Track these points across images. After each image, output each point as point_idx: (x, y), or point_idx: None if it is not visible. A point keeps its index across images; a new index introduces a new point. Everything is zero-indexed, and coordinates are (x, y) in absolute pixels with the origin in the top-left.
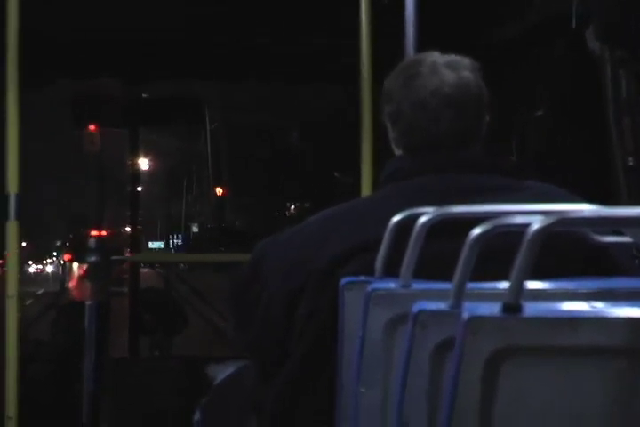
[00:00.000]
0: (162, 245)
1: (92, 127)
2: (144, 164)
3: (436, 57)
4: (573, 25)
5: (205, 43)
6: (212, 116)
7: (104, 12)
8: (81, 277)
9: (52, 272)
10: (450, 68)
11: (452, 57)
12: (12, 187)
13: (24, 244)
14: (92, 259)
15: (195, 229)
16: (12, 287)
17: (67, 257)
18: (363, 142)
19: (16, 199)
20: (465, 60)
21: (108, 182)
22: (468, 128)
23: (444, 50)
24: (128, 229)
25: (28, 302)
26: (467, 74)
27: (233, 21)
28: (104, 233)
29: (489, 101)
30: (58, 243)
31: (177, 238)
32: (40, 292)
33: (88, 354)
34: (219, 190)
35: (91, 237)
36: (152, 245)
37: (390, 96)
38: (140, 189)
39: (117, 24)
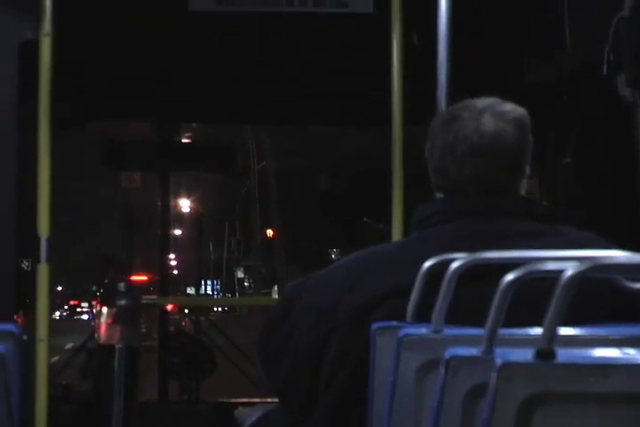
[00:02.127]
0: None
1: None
2: (185, 206)
3: (487, 103)
4: (605, 71)
5: (240, 87)
6: (258, 158)
7: (138, 54)
8: (111, 321)
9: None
10: (494, 117)
11: (506, 106)
12: (43, 230)
13: (59, 288)
14: (122, 302)
15: (240, 273)
16: (42, 331)
17: (95, 302)
18: (394, 187)
19: (47, 242)
20: (516, 112)
21: (144, 226)
22: (494, 179)
23: (474, 94)
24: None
25: (54, 358)
26: (509, 125)
27: (267, 66)
28: (138, 278)
29: (529, 155)
30: (93, 288)
31: (216, 284)
32: (69, 346)
33: (117, 397)
34: (269, 232)
35: (121, 280)
36: (190, 290)
37: (430, 134)
38: (178, 232)
39: (151, 67)
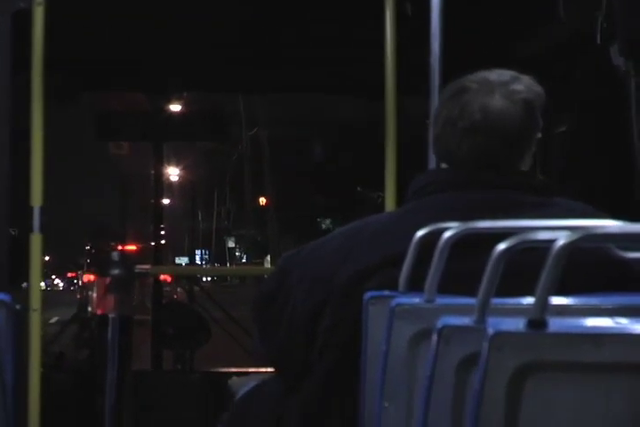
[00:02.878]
0: (187, 261)
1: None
2: (174, 175)
3: (502, 79)
4: (598, 41)
5: (234, 56)
6: (250, 127)
7: (130, 26)
8: (104, 291)
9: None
10: (503, 95)
11: (520, 84)
12: (36, 199)
13: (47, 257)
14: (116, 272)
15: (231, 243)
16: (35, 301)
17: (87, 277)
18: (387, 156)
19: (40, 212)
20: (529, 92)
21: (135, 196)
22: (492, 156)
23: (467, 66)
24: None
25: None
26: (516, 106)
27: (260, 34)
28: (129, 247)
29: (534, 135)
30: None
31: (204, 254)
32: (54, 320)
33: (110, 367)
34: (262, 200)
35: (114, 250)
36: (179, 260)
37: (439, 101)
38: (166, 201)
39: (143, 38)
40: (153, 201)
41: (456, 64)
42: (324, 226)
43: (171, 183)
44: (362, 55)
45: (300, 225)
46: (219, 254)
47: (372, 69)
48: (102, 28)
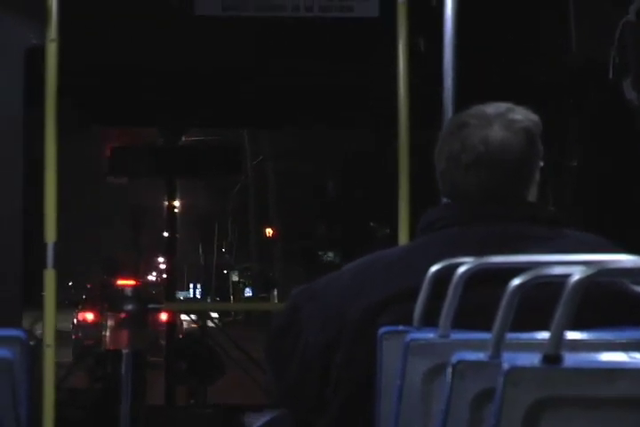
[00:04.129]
0: (190, 295)
1: (106, 156)
2: (178, 208)
3: (498, 110)
4: (611, 75)
5: (242, 91)
6: (256, 158)
7: (142, 60)
8: (117, 326)
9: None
10: (503, 127)
11: (517, 114)
12: (50, 236)
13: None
14: (129, 307)
15: (234, 277)
16: (49, 336)
17: (82, 315)
18: (400, 191)
19: (53, 248)
20: (527, 121)
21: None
22: (498, 188)
23: (480, 98)
24: (152, 278)
25: None
26: (517, 135)
27: (268, 70)
28: (127, 282)
29: (537, 164)
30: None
31: (198, 288)
32: None
33: (124, 401)
34: (268, 231)
35: (120, 286)
36: (178, 294)
37: (439, 139)
38: (165, 234)
39: (155, 73)
40: (167, 235)
41: (469, 97)
42: (328, 258)
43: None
44: (375, 89)
45: (308, 258)
46: (220, 289)
47: (385, 104)
48: (114, 64)
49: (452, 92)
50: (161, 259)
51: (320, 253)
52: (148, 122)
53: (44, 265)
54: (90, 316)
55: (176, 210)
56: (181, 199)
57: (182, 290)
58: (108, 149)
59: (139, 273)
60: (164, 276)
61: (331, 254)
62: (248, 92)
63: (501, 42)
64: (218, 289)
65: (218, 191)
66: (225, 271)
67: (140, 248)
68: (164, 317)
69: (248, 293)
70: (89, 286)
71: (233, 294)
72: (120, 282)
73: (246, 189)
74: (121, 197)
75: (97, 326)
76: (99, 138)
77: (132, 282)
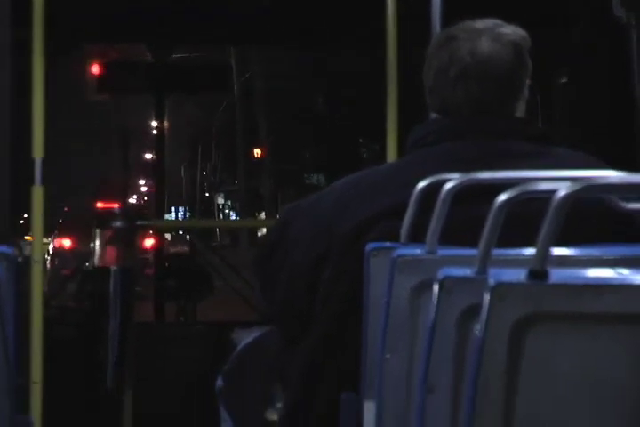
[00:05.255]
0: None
1: (94, 73)
2: (155, 127)
3: (486, 24)
4: None
5: (234, 8)
6: (244, 77)
7: None
8: (106, 243)
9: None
10: (490, 39)
11: (506, 28)
12: (38, 151)
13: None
14: (118, 224)
15: (220, 199)
16: (37, 252)
17: (58, 242)
18: (388, 108)
19: (41, 163)
20: (515, 35)
21: (113, 148)
22: (487, 101)
23: (469, 14)
24: (133, 200)
25: None
26: (505, 48)
27: None
28: (111, 205)
29: (525, 78)
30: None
31: (185, 211)
32: None
33: (113, 319)
34: (257, 152)
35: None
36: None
37: (428, 54)
38: (148, 156)
39: None
40: (150, 156)
41: (457, 15)
42: (316, 182)
43: (152, 136)
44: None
45: (298, 179)
46: (205, 212)
47: (373, 22)
48: None
49: (440, 7)
50: (142, 181)
51: (307, 176)
52: (138, 38)
53: (31, 181)
54: (67, 242)
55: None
56: (161, 118)
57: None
58: (96, 66)
59: (126, 196)
60: (146, 198)
61: (319, 177)
62: (237, 10)
63: None
64: (202, 212)
65: (201, 111)
66: (207, 194)
67: (129, 170)
68: (148, 243)
69: (233, 216)
70: (66, 209)
71: (218, 217)
72: (103, 205)
73: (233, 108)
74: (102, 118)
75: (75, 253)
76: (82, 56)
77: (116, 205)
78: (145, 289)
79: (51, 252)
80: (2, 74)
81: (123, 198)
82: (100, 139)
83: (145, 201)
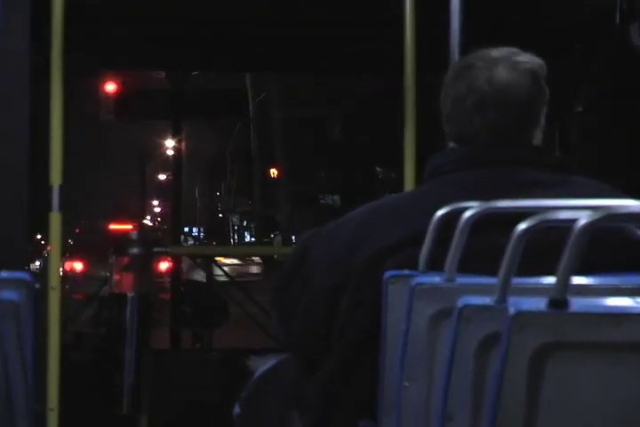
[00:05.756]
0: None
1: (109, 92)
2: (170, 147)
3: (503, 52)
4: (617, 20)
5: (251, 35)
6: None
7: (152, 3)
8: (122, 269)
9: None
10: (508, 68)
11: (522, 56)
12: (56, 178)
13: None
14: (135, 251)
15: (235, 220)
16: (54, 279)
17: (69, 265)
18: (406, 136)
19: (59, 191)
20: (532, 63)
21: (124, 169)
22: (504, 130)
23: (487, 42)
24: (147, 222)
25: None
26: (523, 76)
27: (278, 14)
28: (124, 227)
29: (543, 106)
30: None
31: (199, 231)
32: None
33: (129, 345)
34: (273, 172)
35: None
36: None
37: (444, 83)
38: (162, 177)
39: (165, 16)
40: (173, 180)
41: (476, 42)
42: (330, 203)
43: (167, 158)
44: (380, 34)
45: (313, 202)
46: (219, 233)
47: (391, 48)
48: (121, 6)
49: (458, 35)
50: (155, 202)
51: (322, 196)
52: (156, 65)
53: (49, 208)
54: (78, 266)
55: (172, 152)
56: (179, 142)
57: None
58: (111, 85)
59: (143, 219)
60: (159, 219)
61: (334, 198)
62: (256, 39)
63: None
64: (216, 234)
65: (216, 132)
66: (220, 215)
67: (146, 191)
68: (163, 266)
69: (247, 237)
70: (77, 230)
71: (233, 239)
72: (117, 227)
73: (248, 128)
74: (115, 137)
75: (86, 277)
76: (96, 82)
77: (130, 227)
78: (160, 314)
79: (61, 275)
80: (22, 102)
81: (139, 222)
82: (112, 159)
83: (159, 222)
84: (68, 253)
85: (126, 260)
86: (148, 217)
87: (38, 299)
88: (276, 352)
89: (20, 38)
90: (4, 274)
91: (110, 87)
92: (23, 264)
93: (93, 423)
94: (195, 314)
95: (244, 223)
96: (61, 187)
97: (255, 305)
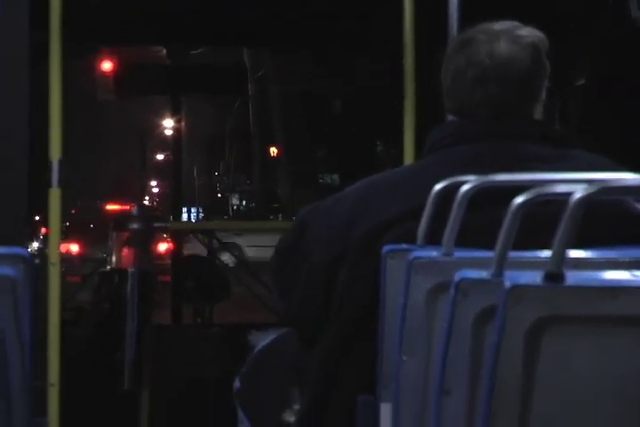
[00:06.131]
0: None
1: (105, 71)
2: (169, 127)
3: (505, 26)
4: None
5: (252, 11)
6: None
7: None
8: (123, 245)
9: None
10: (509, 41)
11: (524, 30)
12: (55, 153)
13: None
14: (135, 226)
15: (235, 200)
16: (54, 255)
17: (65, 247)
18: (405, 111)
19: (59, 165)
20: (533, 37)
21: (122, 149)
22: (505, 103)
23: (486, 18)
24: (145, 202)
25: None
26: (524, 50)
27: None
28: (120, 207)
29: (544, 80)
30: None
31: (198, 211)
32: None
33: (130, 321)
34: (272, 151)
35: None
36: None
37: (445, 56)
38: (160, 157)
39: None
40: (172, 157)
41: (475, 21)
42: (330, 182)
43: (165, 137)
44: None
45: (314, 180)
46: (218, 213)
47: (390, 24)
48: None
49: (456, 15)
50: (153, 182)
51: (321, 176)
52: (154, 40)
53: (48, 184)
54: (74, 248)
55: (171, 131)
56: (178, 121)
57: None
58: (107, 64)
59: (143, 197)
60: (157, 200)
61: (334, 178)
62: (253, 14)
63: None
64: (216, 213)
65: (214, 110)
66: (220, 195)
67: (145, 172)
68: (162, 248)
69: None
70: (73, 211)
71: (233, 218)
72: (115, 207)
73: (246, 106)
74: (112, 117)
75: (82, 259)
76: (93, 61)
77: (127, 207)
78: (160, 296)
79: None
80: (21, 77)
81: (139, 200)
82: (109, 139)
83: (157, 202)
84: (63, 234)
85: (127, 235)
86: (147, 197)
87: (37, 275)
88: (276, 327)
89: (19, 17)
90: (2, 249)
91: (107, 66)
92: (22, 242)
93: (94, 398)
94: (196, 289)
95: (244, 203)
96: (61, 162)
97: (259, 283)
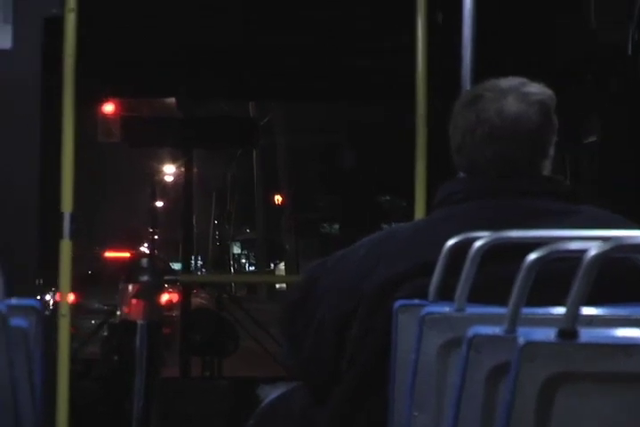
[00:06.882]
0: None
1: (108, 113)
2: (169, 173)
3: (512, 83)
4: (630, 51)
5: (262, 65)
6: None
7: (163, 31)
8: (132, 297)
9: None
10: (517, 99)
11: (532, 87)
12: (66, 206)
13: None
14: (145, 278)
15: (236, 249)
16: (64, 306)
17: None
18: (417, 164)
19: (70, 218)
20: (541, 94)
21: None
22: (514, 161)
23: (500, 72)
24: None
25: None
26: (532, 108)
27: (290, 46)
28: (123, 255)
29: (552, 137)
30: None
31: (197, 260)
32: None
33: (139, 373)
34: (277, 199)
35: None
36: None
37: (453, 113)
38: (159, 204)
39: (176, 43)
40: (183, 207)
41: (487, 71)
42: (332, 231)
43: (165, 184)
44: (392, 63)
45: (312, 230)
46: (219, 262)
47: (403, 77)
48: (133, 35)
49: (469, 65)
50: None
51: (323, 225)
52: (165, 93)
53: (60, 235)
54: (71, 297)
55: (172, 178)
56: (179, 168)
57: (178, 261)
58: (109, 106)
59: (154, 247)
60: (156, 248)
61: (334, 227)
62: (266, 67)
63: (522, 18)
64: (217, 261)
65: (218, 159)
66: (218, 244)
67: (156, 219)
68: (164, 298)
69: (250, 266)
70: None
71: (234, 267)
72: (114, 255)
73: (250, 155)
74: (110, 163)
75: (78, 309)
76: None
77: (127, 254)
78: (167, 349)
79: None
80: (32, 128)
81: (151, 250)
82: (110, 186)
83: (157, 249)
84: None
85: (136, 287)
86: (146, 244)
87: (48, 327)
88: (285, 381)
89: (32, 64)
90: (14, 301)
91: (109, 108)
92: (34, 293)
93: None
94: (204, 342)
95: (244, 252)
96: (72, 215)
97: (266, 334)
